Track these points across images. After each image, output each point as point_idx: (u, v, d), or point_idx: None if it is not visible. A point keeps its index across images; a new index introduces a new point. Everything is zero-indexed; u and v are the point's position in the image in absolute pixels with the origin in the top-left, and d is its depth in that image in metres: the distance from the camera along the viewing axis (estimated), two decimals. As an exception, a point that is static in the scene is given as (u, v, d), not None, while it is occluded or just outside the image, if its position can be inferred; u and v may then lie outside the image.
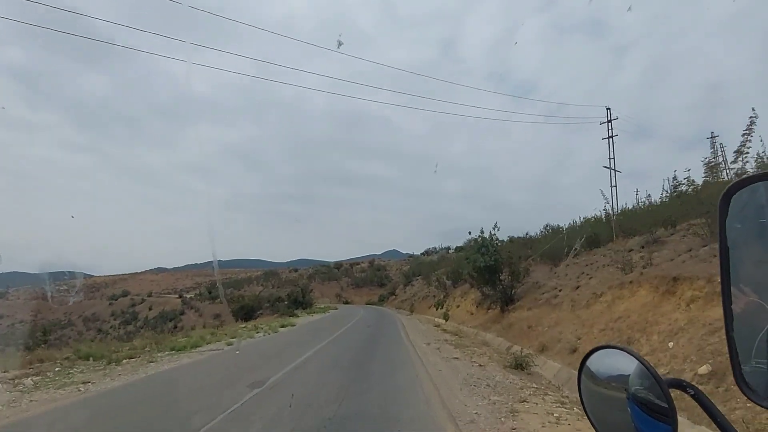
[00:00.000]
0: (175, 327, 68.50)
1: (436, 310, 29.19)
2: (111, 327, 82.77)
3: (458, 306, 27.22)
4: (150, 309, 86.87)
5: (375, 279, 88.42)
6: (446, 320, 25.53)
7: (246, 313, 33.33)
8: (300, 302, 50.01)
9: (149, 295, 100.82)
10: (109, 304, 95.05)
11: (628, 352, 1.09)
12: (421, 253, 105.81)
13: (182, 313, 78.29)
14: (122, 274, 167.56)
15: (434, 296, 35.93)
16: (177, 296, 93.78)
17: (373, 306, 66.19)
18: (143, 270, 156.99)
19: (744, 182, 0.96)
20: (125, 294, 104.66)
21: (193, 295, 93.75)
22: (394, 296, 67.83)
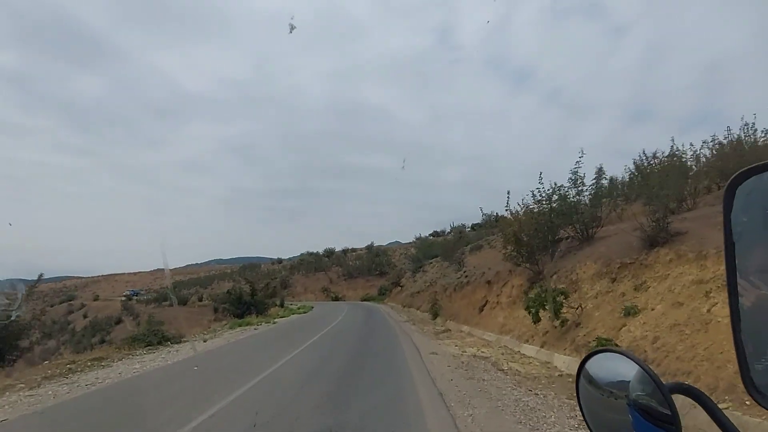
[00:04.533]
0: (103, 341, 51.00)
1: (535, 321, 9.69)
2: (31, 341, 64.90)
3: (639, 310, 7.80)
4: (85, 317, 68.51)
5: (373, 267, 68.75)
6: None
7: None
8: (249, 305, 30.80)
9: (95, 299, 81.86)
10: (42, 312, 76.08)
11: (628, 356, 1.01)
12: (430, 235, 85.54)
13: (119, 322, 59.58)
14: (96, 276, 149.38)
15: (489, 282, 16.57)
16: (126, 299, 74.80)
17: (370, 304, 47.01)
18: (148, 270, 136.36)
19: (749, 172, 0.87)
20: (70, 299, 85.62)
21: (144, 298, 74.82)
22: (399, 287, 48.65)
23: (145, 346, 13.78)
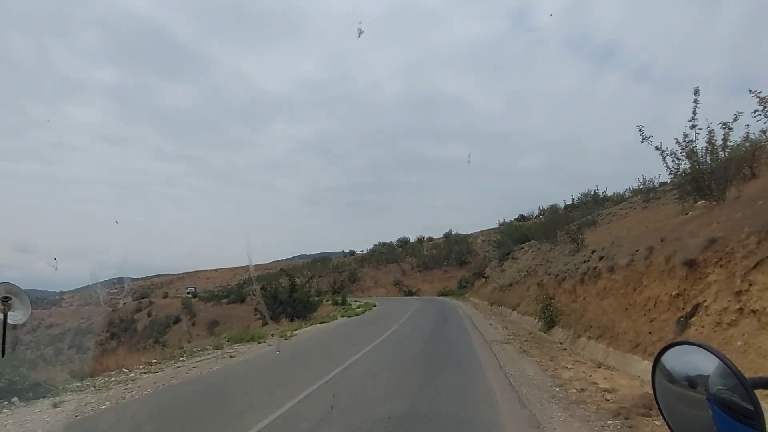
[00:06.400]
0: (157, 341, 47.17)
1: None
2: (97, 341, 63.39)
3: None
4: (149, 315, 66.06)
5: (452, 256, 59.68)
6: None
7: None
8: (286, 305, 23.56)
9: (164, 297, 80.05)
10: (112, 310, 75.00)
11: (708, 349, 0.97)
12: (516, 219, 74.75)
13: (177, 321, 55.82)
14: (180, 273, 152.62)
15: (692, 263, 7.54)
16: (191, 296, 72.01)
17: (447, 300, 38.35)
18: (230, 266, 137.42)
19: None
20: (142, 296, 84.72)
21: (206, 296, 71.54)
22: (482, 279, 39.72)
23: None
